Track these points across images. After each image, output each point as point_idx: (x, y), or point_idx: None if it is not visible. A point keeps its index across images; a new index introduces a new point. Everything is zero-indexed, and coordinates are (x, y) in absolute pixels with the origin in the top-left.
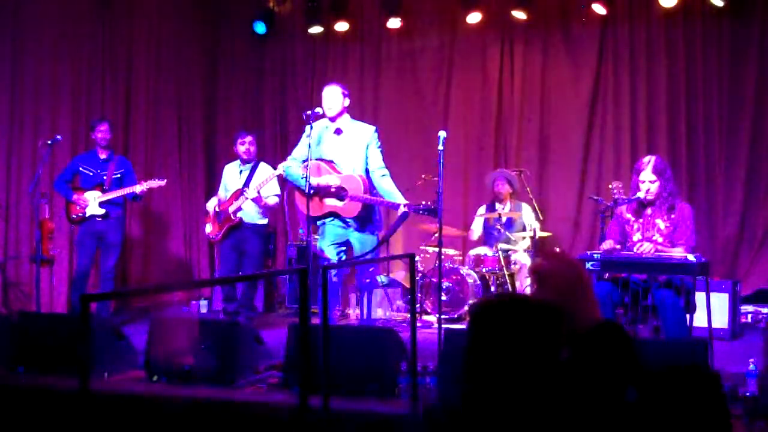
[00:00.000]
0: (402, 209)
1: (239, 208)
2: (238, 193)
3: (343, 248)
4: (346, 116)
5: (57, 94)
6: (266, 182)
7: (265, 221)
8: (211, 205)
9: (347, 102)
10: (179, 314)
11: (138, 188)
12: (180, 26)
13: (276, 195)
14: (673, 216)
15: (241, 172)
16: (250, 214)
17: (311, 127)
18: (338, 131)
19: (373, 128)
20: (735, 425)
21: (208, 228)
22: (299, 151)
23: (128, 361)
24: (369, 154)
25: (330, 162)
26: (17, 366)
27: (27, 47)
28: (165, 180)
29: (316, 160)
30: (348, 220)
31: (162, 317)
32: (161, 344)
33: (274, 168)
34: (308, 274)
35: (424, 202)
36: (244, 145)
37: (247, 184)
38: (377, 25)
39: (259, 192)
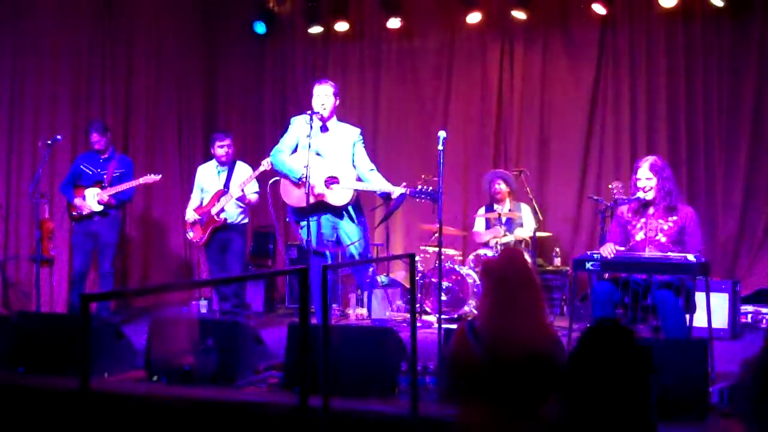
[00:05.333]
0: (400, 190)
1: (222, 209)
2: (220, 194)
3: (335, 241)
4: (334, 117)
5: (57, 94)
6: (250, 180)
7: (246, 220)
8: (190, 215)
9: (337, 101)
10: (179, 314)
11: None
12: (180, 26)
13: (256, 192)
14: (675, 217)
15: (219, 173)
16: (233, 214)
17: (311, 126)
18: (324, 129)
19: (358, 130)
20: (735, 425)
21: (191, 234)
22: (287, 141)
23: (128, 361)
24: (356, 151)
25: (318, 155)
26: (17, 366)
27: (27, 47)
28: (160, 175)
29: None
30: (336, 210)
31: (162, 317)
32: (161, 344)
33: (252, 166)
34: (308, 273)
35: (421, 186)
36: (223, 148)
37: (227, 184)
38: (377, 25)
39: (243, 190)
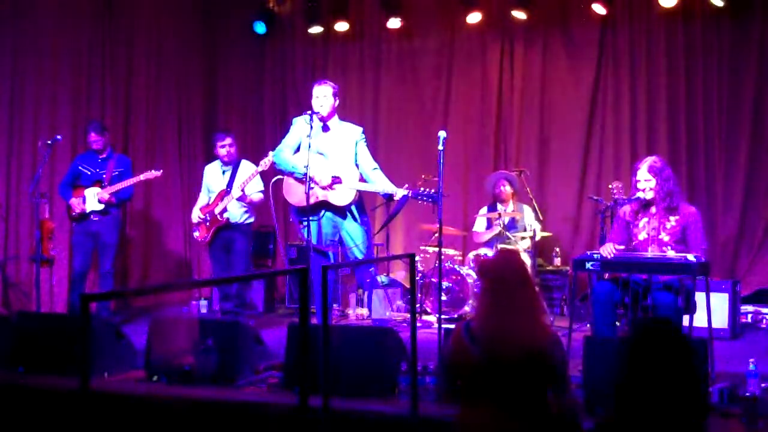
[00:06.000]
0: (403, 192)
1: (225, 209)
2: (223, 194)
3: (337, 241)
4: (335, 117)
5: (57, 94)
6: (250, 179)
7: (251, 220)
8: (195, 215)
9: (337, 102)
10: (179, 314)
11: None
12: (180, 26)
13: (260, 191)
14: (677, 216)
15: (224, 172)
16: (236, 213)
17: (311, 125)
18: (326, 128)
19: (360, 129)
20: (735, 425)
21: (196, 233)
22: (288, 142)
23: (128, 361)
24: (358, 151)
25: (320, 155)
26: (17, 366)
27: (27, 47)
28: (161, 171)
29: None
30: (339, 209)
31: (162, 317)
32: (161, 344)
33: (256, 165)
34: (308, 273)
35: (424, 189)
36: (224, 148)
37: (230, 184)
38: (377, 25)
39: (243, 190)
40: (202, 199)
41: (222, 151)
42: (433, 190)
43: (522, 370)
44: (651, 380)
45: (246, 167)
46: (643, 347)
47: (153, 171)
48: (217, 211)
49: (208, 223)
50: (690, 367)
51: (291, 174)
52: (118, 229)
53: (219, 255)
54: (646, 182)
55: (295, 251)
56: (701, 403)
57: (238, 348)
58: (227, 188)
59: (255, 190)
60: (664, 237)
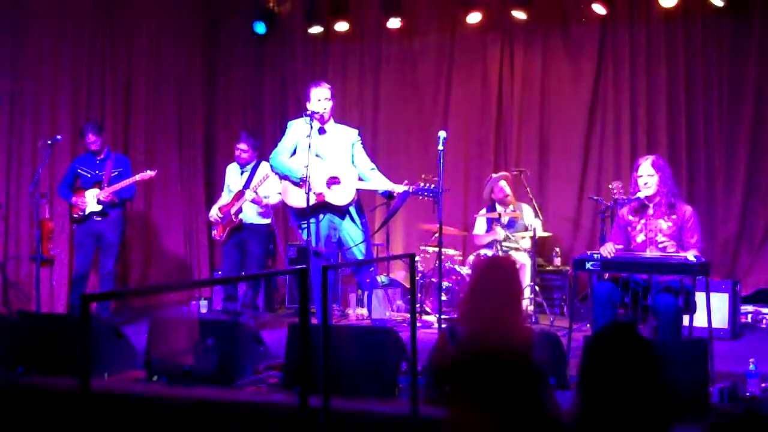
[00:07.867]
0: (402, 188)
1: (240, 210)
2: (239, 195)
3: (336, 243)
4: (331, 119)
5: (57, 94)
6: (261, 183)
7: (266, 221)
8: (213, 213)
9: (332, 103)
10: (179, 314)
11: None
12: (180, 26)
13: (279, 193)
14: (674, 216)
15: (242, 173)
16: (250, 214)
17: (311, 126)
18: (322, 131)
19: (356, 131)
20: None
21: (214, 232)
22: (285, 144)
23: (128, 361)
24: (355, 152)
25: (318, 157)
26: (17, 366)
27: (27, 47)
28: (155, 171)
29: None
30: (338, 210)
31: (162, 317)
32: (161, 344)
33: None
34: (308, 273)
35: (424, 184)
36: (237, 151)
37: (247, 185)
38: (377, 25)
39: (256, 192)
40: (223, 198)
41: (236, 153)
42: (432, 185)
43: (499, 371)
44: (608, 384)
45: (264, 169)
46: (600, 351)
47: (148, 171)
48: (232, 211)
49: (223, 223)
50: (649, 371)
51: (287, 177)
52: (120, 229)
53: (232, 254)
54: (649, 177)
55: (295, 251)
56: (665, 407)
57: (238, 348)
58: (243, 189)
59: (274, 192)
60: (660, 238)
